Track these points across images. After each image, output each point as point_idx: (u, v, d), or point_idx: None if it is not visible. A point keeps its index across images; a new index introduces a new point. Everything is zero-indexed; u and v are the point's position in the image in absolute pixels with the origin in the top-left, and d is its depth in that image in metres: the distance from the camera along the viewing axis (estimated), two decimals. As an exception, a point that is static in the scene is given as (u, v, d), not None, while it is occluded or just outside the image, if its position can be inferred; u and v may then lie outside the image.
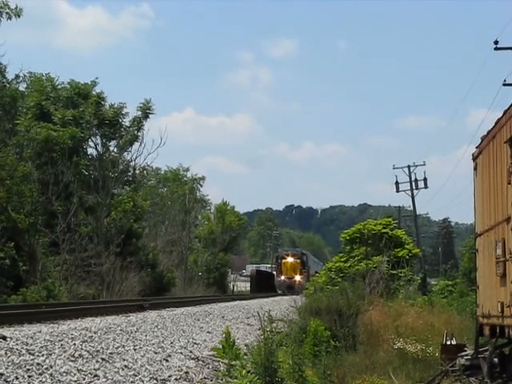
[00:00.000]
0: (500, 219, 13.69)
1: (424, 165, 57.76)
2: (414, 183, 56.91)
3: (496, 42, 17.76)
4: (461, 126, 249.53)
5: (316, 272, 66.53)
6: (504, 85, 17.21)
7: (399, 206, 68.48)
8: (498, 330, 14.68)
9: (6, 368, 10.81)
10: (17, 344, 12.48)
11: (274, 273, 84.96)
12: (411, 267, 39.55)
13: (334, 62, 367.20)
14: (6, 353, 11.67)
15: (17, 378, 10.53)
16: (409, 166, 57.07)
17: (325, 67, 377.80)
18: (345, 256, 39.32)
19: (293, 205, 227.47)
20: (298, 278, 74.02)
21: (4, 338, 12.96)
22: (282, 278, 76.12)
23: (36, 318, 16.93)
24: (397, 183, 57.33)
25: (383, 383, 15.89)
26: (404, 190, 57.50)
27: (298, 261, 76.77)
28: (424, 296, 34.61)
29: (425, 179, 56.74)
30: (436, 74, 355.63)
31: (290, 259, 77.30)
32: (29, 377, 10.80)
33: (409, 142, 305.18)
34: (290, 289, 69.62)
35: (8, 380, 10.39)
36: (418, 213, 61.73)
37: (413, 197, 57.38)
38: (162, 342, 16.54)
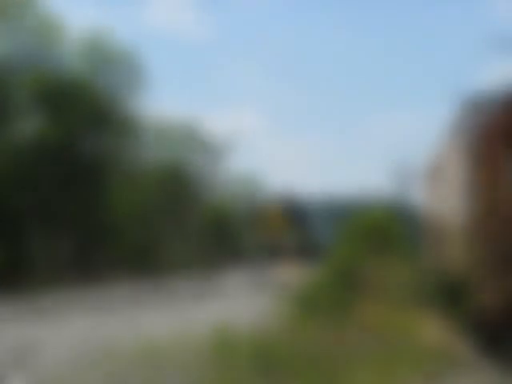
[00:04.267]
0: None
1: (416, 160, 63.79)
2: (408, 176, 63.12)
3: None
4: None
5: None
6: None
7: (396, 198, 75.60)
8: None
9: None
10: None
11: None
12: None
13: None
14: None
15: None
16: (403, 162, 63.42)
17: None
18: (345, 249, 47.06)
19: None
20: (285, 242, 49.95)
21: None
22: (266, 241, 50.24)
23: None
24: (392, 177, 63.22)
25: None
26: (400, 183, 63.95)
27: (287, 218, 51.66)
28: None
29: (417, 174, 62.48)
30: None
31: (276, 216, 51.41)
32: None
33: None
34: (276, 255, 48.49)
35: None
36: (415, 203, 69.01)
37: (407, 189, 64.11)
38: None
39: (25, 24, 32.53)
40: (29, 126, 34.02)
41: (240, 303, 19.24)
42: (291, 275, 31.71)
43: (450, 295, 19.38)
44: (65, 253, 29.12)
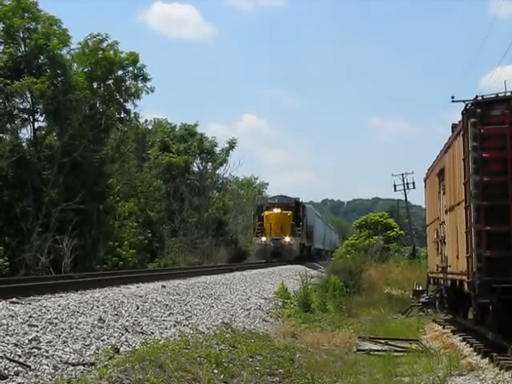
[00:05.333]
0: (436, 217, 20.22)
1: (413, 173, 66.72)
2: (406, 185, 65.97)
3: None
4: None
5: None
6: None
7: (398, 200, 79.26)
8: (436, 280, 21.27)
9: (168, 301, 15.44)
10: (170, 289, 17.30)
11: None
12: (398, 242, 48.54)
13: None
14: (166, 294, 16.39)
15: (174, 306, 15.25)
16: (402, 174, 66.05)
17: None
18: (356, 236, 48.87)
19: (327, 198, 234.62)
20: (287, 239, 45.39)
21: (164, 286, 17.69)
22: (264, 239, 45.65)
23: (174, 277, 21.83)
24: (394, 185, 66.35)
25: (375, 313, 22.33)
26: (399, 190, 66.65)
27: (289, 213, 46.71)
28: (408, 260, 42.44)
29: (413, 183, 65.54)
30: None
31: (276, 211, 46.69)
32: (179, 304, 15.57)
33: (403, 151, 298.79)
34: (277, 255, 45.09)
35: (169, 306, 15.04)
36: (414, 204, 73.29)
37: (405, 195, 67.26)
38: (245, 289, 22.55)
39: (27, 27, 32.51)
40: (31, 129, 34.01)
41: (242, 305, 19.30)
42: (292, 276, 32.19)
43: (449, 295, 19.65)
44: (66, 256, 29.05)
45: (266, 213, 46.71)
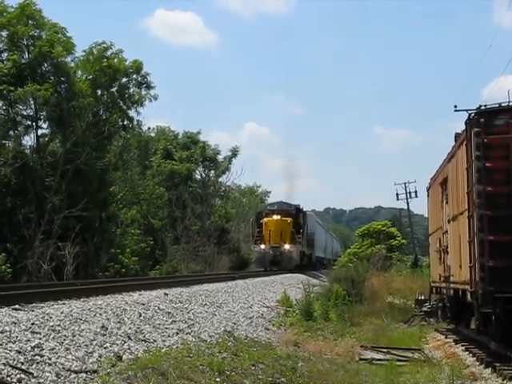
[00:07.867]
0: (438, 226, 20.43)
1: (415, 182, 66.04)
2: (408, 194, 66.15)
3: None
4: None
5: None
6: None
7: (400, 209, 78.89)
8: (439, 290, 21.44)
9: (170, 309, 15.50)
10: (173, 297, 17.29)
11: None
12: (400, 251, 48.90)
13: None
14: (168, 302, 16.36)
15: (176, 314, 15.29)
16: (405, 183, 66.19)
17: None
18: (359, 245, 49.36)
19: (329, 207, 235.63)
20: (287, 247, 43.67)
21: (166, 294, 17.63)
22: (263, 247, 43.88)
23: (176, 284, 21.73)
24: (397, 194, 66.51)
25: (377, 322, 22.47)
26: (402, 199, 66.72)
27: (289, 220, 45.08)
28: (411, 269, 42.61)
29: (415, 192, 65.33)
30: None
31: (276, 217, 44.95)
32: (181, 312, 15.58)
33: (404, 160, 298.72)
34: (276, 263, 43.38)
35: (172, 313, 15.05)
36: (415, 213, 74.31)
37: (408, 204, 67.52)
38: (248, 297, 22.80)
39: (32, 35, 32.68)
40: (34, 136, 34.14)
41: (244, 314, 19.42)
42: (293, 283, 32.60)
43: (451, 305, 19.82)
44: (69, 263, 29.12)
45: (265, 219, 45.04)
